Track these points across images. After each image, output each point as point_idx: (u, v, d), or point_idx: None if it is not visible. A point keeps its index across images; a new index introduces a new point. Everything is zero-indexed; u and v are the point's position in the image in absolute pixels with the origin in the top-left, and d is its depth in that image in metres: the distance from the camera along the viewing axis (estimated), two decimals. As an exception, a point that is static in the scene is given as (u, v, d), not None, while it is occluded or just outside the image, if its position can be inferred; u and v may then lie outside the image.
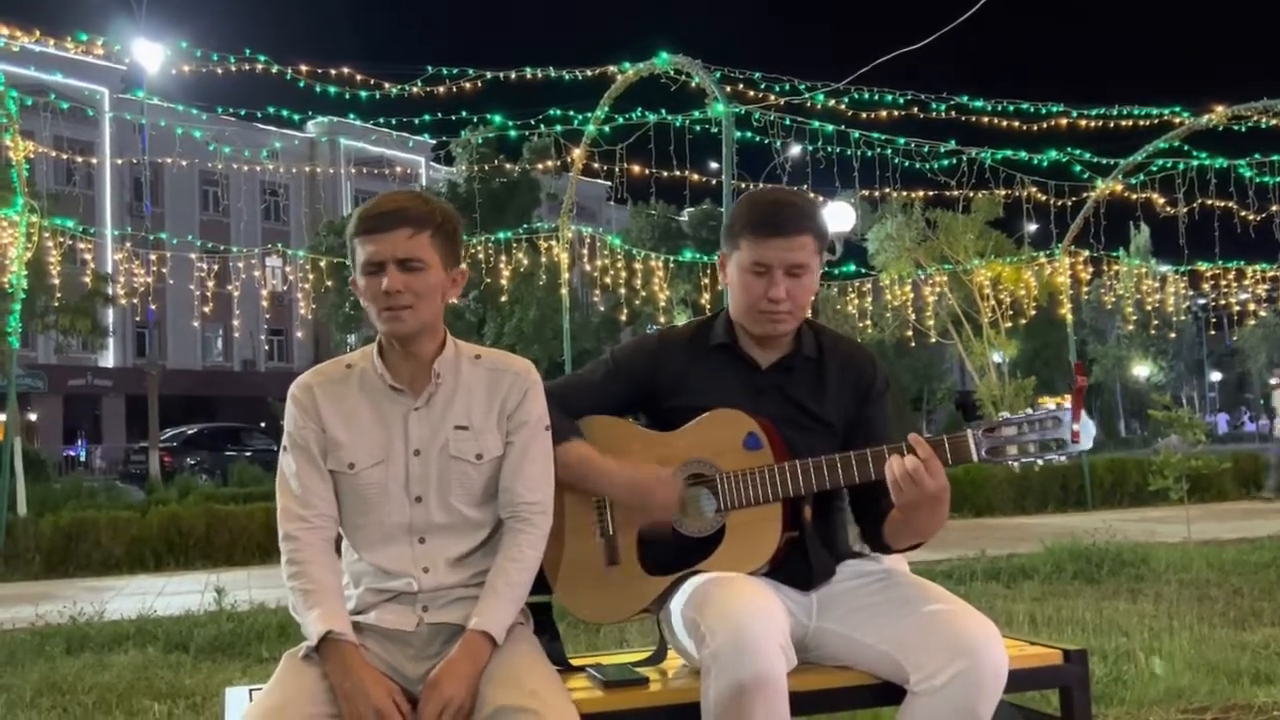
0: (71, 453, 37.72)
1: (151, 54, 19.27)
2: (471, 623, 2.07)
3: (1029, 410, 2.19)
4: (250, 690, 2.38)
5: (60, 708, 4.36)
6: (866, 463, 2.24)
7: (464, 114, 12.79)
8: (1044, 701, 2.93)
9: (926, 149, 13.50)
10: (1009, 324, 20.97)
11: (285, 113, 13.23)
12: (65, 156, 23.02)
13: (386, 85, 11.79)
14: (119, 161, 35.88)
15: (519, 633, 2.16)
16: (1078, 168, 13.95)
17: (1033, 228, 20.31)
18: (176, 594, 7.99)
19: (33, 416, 37.85)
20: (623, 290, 16.87)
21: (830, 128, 12.17)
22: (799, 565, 2.34)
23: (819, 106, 11.92)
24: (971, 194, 16.84)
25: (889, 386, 2.49)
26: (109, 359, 41.99)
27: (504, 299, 21.77)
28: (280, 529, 2.14)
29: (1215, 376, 65.55)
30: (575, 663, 2.46)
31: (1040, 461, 2.17)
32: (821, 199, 14.28)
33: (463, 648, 2.04)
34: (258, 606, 6.40)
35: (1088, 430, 2.12)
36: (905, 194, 17.74)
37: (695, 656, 2.15)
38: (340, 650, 2.00)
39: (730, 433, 2.32)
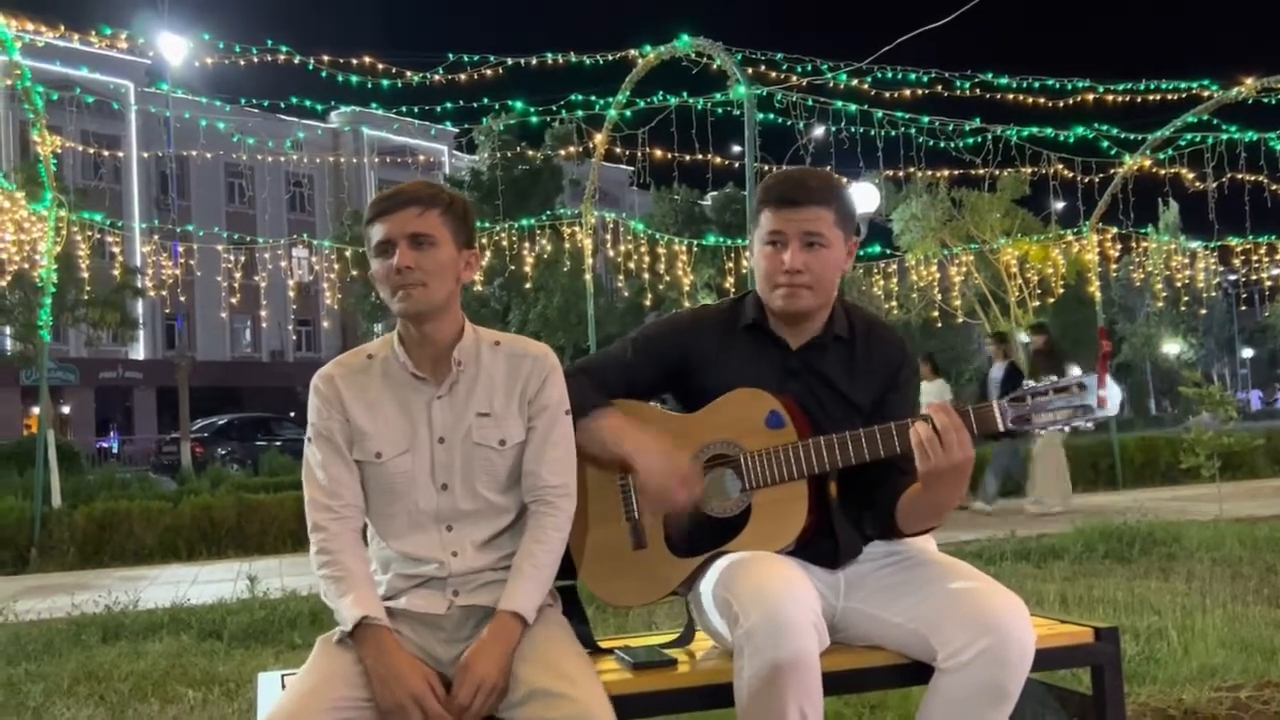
0: (104, 444, 38.12)
1: (175, 47, 19.39)
2: (500, 604, 2.08)
3: (1054, 378, 2.17)
4: (283, 676, 2.40)
5: (97, 695, 4.42)
6: (891, 436, 2.21)
7: (486, 101, 12.78)
8: (1075, 680, 2.92)
9: (951, 127, 13.38)
10: (1037, 303, 20.81)
11: (308, 103, 13.27)
12: (92, 151, 23.14)
13: (408, 74, 11.77)
14: (145, 155, 36.16)
15: (549, 614, 2.17)
16: (1105, 144, 13.76)
17: (1060, 205, 20.10)
18: (209, 582, 8.07)
19: (65, 409, 38.29)
20: (647, 275, 16.83)
21: (853, 108, 12.07)
22: (825, 543, 2.32)
23: (841, 87, 11.83)
24: (997, 172, 16.69)
25: (917, 373, 2.47)
26: (139, 351, 42.37)
27: (528, 286, 21.85)
28: (309, 520, 2.16)
29: (1247, 353, 64.81)
30: (603, 645, 2.46)
31: (1067, 429, 2.16)
32: (845, 180, 14.18)
33: (493, 628, 2.05)
34: (290, 594, 6.45)
35: (1113, 396, 2.10)
36: (930, 173, 17.61)
37: (726, 637, 2.14)
38: (375, 635, 2.02)
39: (752, 411, 2.31)
